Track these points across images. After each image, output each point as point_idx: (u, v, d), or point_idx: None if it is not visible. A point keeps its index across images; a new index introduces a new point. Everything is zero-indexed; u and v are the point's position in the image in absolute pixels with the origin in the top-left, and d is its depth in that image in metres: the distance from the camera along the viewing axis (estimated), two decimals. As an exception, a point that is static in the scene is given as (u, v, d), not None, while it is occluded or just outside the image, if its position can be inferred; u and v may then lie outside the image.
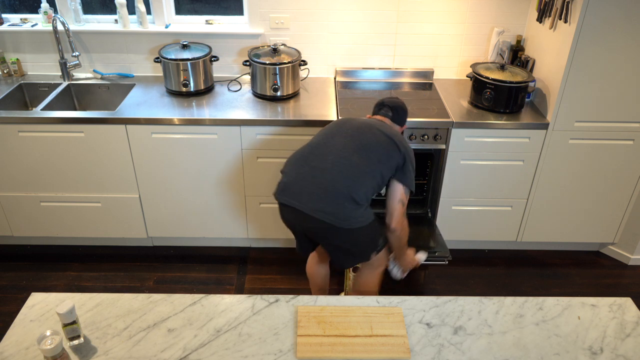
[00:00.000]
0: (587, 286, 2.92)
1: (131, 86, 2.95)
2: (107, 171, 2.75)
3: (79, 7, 2.95)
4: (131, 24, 2.97)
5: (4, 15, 3.00)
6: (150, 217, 2.92)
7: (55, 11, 2.97)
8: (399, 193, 2.12)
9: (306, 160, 2.10)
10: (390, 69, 3.09)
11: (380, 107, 2.32)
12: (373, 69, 3.09)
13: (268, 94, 2.80)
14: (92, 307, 1.60)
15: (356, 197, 2.02)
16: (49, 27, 2.92)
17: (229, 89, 2.93)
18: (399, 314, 1.59)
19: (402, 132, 2.39)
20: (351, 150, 2.07)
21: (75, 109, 3.02)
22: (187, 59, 2.74)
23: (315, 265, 2.47)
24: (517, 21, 2.94)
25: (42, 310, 1.59)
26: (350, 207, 2.02)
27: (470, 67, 2.80)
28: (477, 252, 3.13)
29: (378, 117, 2.30)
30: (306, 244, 2.32)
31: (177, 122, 2.60)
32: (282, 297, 1.66)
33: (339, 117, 2.29)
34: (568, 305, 1.66)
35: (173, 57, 2.76)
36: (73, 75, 3.04)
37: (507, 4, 2.89)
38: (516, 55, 2.94)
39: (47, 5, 2.92)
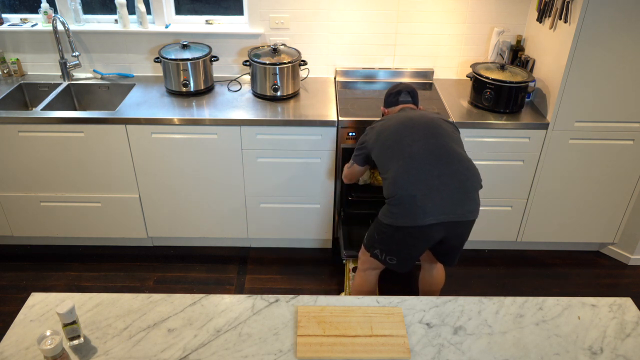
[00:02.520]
0: (587, 286, 2.92)
1: (131, 86, 2.95)
2: (107, 171, 2.75)
3: (79, 7, 2.95)
4: (131, 24, 2.96)
5: (4, 15, 3.00)
6: (150, 217, 2.92)
7: (55, 11, 2.96)
8: None
9: (424, 172, 2.00)
10: (390, 69, 3.09)
11: (398, 95, 2.35)
12: (373, 69, 3.09)
13: (268, 94, 2.80)
14: (92, 307, 1.60)
15: (479, 183, 2.06)
16: (49, 27, 2.92)
17: (229, 89, 2.93)
18: (399, 314, 1.59)
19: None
20: (449, 145, 2.07)
21: (75, 109, 3.02)
22: (187, 59, 2.74)
23: (435, 270, 2.42)
24: (517, 21, 2.94)
25: (42, 310, 1.59)
26: (478, 194, 2.07)
27: (470, 67, 2.80)
28: (477, 252, 3.13)
29: (403, 106, 2.32)
30: (416, 256, 2.22)
31: (177, 122, 2.60)
32: (282, 297, 1.66)
33: (378, 122, 2.25)
34: (568, 305, 1.66)
35: (173, 57, 2.76)
36: (73, 75, 3.04)
37: (507, 4, 2.89)
38: (516, 55, 2.94)
39: (47, 5, 2.92)
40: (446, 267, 2.43)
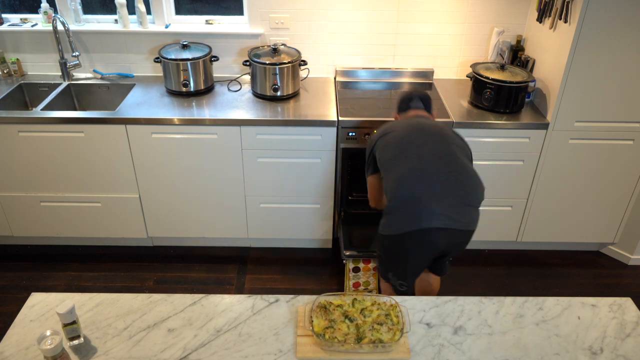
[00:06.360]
0: (587, 286, 2.92)
1: (131, 86, 2.95)
2: (107, 171, 2.75)
3: (79, 7, 2.95)
4: (131, 24, 2.96)
5: (4, 15, 3.00)
6: (150, 217, 2.92)
7: (55, 11, 2.96)
8: None
9: (431, 175, 1.96)
10: (390, 69, 3.09)
11: (410, 100, 2.29)
12: (373, 69, 3.09)
13: (268, 94, 2.80)
14: (92, 307, 1.60)
15: (483, 197, 2.03)
16: (49, 27, 2.92)
17: (229, 89, 2.93)
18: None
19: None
20: (457, 154, 2.03)
21: (75, 109, 3.02)
22: (187, 59, 2.74)
23: (432, 277, 2.36)
24: (517, 21, 2.94)
25: (42, 310, 1.59)
26: (479, 208, 2.03)
27: (470, 67, 2.80)
28: (477, 252, 3.13)
29: (415, 112, 2.26)
30: (423, 268, 2.17)
31: (177, 122, 2.60)
32: (282, 297, 1.66)
33: (385, 125, 2.20)
34: (568, 305, 1.66)
35: (173, 57, 2.75)
36: (73, 75, 3.04)
37: (507, 4, 2.89)
38: (516, 55, 2.94)
39: (47, 5, 2.92)
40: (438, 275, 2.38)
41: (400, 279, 2.10)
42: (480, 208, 2.06)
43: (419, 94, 2.32)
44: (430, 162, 1.99)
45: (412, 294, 2.13)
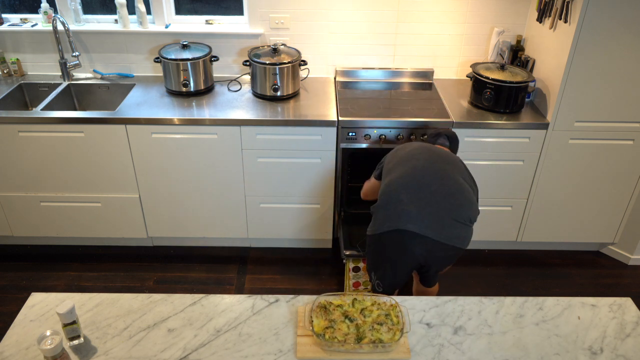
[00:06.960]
0: (587, 286, 2.92)
1: (131, 86, 2.95)
2: (107, 171, 2.75)
3: (79, 7, 2.95)
4: (131, 24, 2.96)
5: (4, 15, 3.00)
6: (150, 217, 2.92)
7: (55, 11, 2.96)
8: None
9: (420, 183, 1.98)
10: (390, 69, 3.09)
11: (437, 137, 2.34)
12: (373, 69, 3.09)
13: (268, 94, 2.80)
14: (92, 307, 1.60)
15: (475, 217, 2.02)
16: (49, 27, 2.92)
17: (229, 89, 2.93)
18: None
19: None
20: (455, 174, 2.04)
21: (75, 109, 3.02)
22: (187, 59, 2.74)
23: (423, 290, 2.36)
24: (517, 21, 2.94)
25: (42, 310, 1.59)
26: (471, 227, 2.02)
27: (470, 67, 2.80)
28: (477, 252, 3.13)
29: (439, 147, 2.31)
30: (408, 275, 2.13)
31: (177, 122, 2.60)
32: (282, 297, 1.66)
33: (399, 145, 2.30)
34: (568, 305, 1.66)
35: (173, 57, 2.76)
36: (73, 75, 3.04)
37: (507, 4, 2.89)
38: (516, 55, 2.94)
39: (47, 5, 2.92)
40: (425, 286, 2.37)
41: (379, 279, 2.13)
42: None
43: (447, 133, 2.36)
44: (424, 174, 2.02)
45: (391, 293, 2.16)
